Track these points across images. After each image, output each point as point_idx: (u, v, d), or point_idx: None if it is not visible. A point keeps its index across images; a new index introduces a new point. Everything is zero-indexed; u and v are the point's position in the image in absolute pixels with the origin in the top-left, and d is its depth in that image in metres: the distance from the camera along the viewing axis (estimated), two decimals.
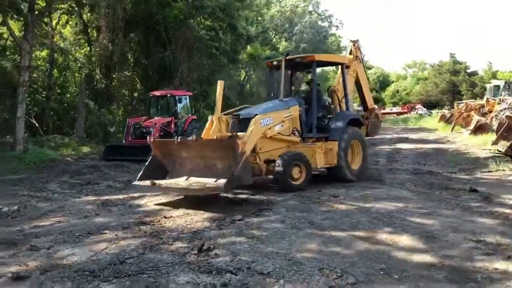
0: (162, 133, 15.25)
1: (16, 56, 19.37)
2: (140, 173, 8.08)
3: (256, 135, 7.94)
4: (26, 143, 15.31)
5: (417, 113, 53.11)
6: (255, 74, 39.12)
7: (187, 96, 17.69)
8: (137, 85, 26.02)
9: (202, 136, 8.42)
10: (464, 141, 18.34)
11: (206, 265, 4.33)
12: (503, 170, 10.56)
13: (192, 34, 22.75)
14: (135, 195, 8.37)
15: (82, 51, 24.28)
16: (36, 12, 15.81)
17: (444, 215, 6.31)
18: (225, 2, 23.94)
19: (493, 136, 14.84)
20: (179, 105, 16.88)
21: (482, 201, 7.29)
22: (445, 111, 36.36)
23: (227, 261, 4.40)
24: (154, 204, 7.56)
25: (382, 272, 4.10)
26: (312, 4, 50.26)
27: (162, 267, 4.30)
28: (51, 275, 4.16)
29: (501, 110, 17.89)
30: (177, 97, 16.86)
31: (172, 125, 16.13)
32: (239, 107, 9.67)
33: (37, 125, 20.24)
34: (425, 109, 56.97)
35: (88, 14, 23.01)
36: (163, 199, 7.96)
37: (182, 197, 7.94)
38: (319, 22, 50.66)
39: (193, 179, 7.53)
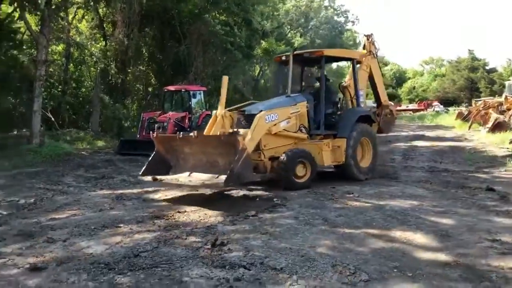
0: (176, 128, 15.31)
1: (32, 50, 19.64)
2: (143, 168, 8.05)
3: (260, 132, 7.81)
4: (42, 137, 15.56)
5: (433, 110, 52.52)
6: (269, 69, 39.02)
7: (201, 91, 17.71)
8: (152, 80, 26.18)
9: (205, 132, 8.33)
10: (482, 139, 18.05)
11: (220, 259, 4.35)
12: None
13: (207, 29, 22.78)
14: (149, 189, 8.43)
15: (98, 45, 24.52)
16: (53, 7, 15.98)
17: (459, 213, 6.25)
18: None
19: (511, 135, 14.60)
20: (193, 100, 16.91)
21: (499, 200, 7.19)
22: (463, 109, 35.88)
23: (240, 256, 4.42)
24: (168, 199, 7.62)
25: (395, 270, 4.07)
26: None
27: (176, 261, 4.33)
28: (67, 266, 4.23)
29: None
30: (191, 92, 16.90)
31: (186, 120, 16.18)
32: (245, 103, 9.49)
33: (53, 119, 20.51)
34: (442, 106, 56.36)
35: (104, 9, 23.21)
36: (177, 193, 8.01)
37: (196, 192, 7.98)
38: (335, 17, 50.36)
39: (195, 175, 7.51)
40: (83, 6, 20.68)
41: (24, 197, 7.80)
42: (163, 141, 8.18)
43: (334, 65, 42.94)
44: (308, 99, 9.13)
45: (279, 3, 41.78)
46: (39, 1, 15.14)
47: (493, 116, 20.20)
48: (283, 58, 9.75)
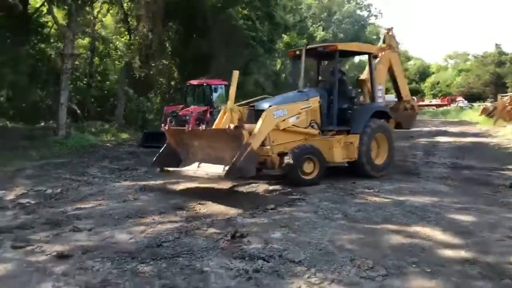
0: (198, 122, 15.45)
1: (59, 44, 20.06)
2: (154, 159, 8.20)
3: (267, 127, 7.65)
4: (68, 129, 15.93)
5: (457, 105, 51.53)
6: (290, 63, 38.84)
7: (223, 86, 17.76)
8: (175, 74, 26.39)
9: (214, 125, 8.30)
10: (507, 135, 17.66)
11: (239, 251, 4.44)
12: None
13: (229, 23, 22.82)
14: (172, 181, 8.57)
15: (122, 39, 24.88)
16: (79, 1, 16.28)
17: (481, 210, 6.18)
18: None
19: None
20: (215, 94, 17.01)
21: None
22: (488, 104, 35.11)
23: (259, 248, 4.50)
24: (190, 191, 7.75)
25: (414, 265, 4.09)
26: None
27: (196, 251, 4.44)
28: (92, 255, 4.38)
29: None
30: (213, 86, 17.02)
31: (208, 114, 16.31)
32: (256, 98, 9.34)
33: (78, 111, 20.91)
34: (466, 101, 55.20)
35: (128, 3, 23.51)
36: (199, 185, 8.14)
37: (216, 185, 8.09)
38: (358, 11, 49.79)
39: (201, 168, 7.58)
40: (108, 0, 20.99)
41: (51, 187, 8.03)
42: (174, 133, 8.24)
43: (356, 59, 42.47)
44: (322, 94, 8.96)
45: None
46: None
47: None
48: (297, 52, 9.60)
